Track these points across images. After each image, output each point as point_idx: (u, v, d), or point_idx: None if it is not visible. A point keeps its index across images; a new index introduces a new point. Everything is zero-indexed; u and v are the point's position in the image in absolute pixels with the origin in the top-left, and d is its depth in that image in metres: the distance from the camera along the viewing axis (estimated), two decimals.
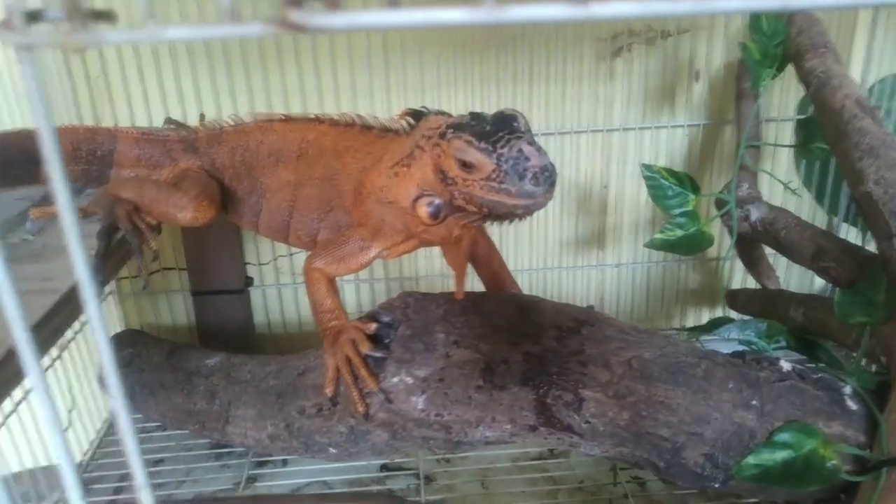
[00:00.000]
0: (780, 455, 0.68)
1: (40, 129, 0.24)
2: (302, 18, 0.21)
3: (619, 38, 1.14)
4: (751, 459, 0.68)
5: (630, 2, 0.21)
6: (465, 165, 0.59)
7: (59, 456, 0.28)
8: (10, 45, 0.22)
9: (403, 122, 0.69)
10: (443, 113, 0.65)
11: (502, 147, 0.57)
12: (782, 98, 1.19)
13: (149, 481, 0.33)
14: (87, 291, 0.26)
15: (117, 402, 0.29)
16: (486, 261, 0.78)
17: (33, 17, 0.22)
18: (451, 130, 0.60)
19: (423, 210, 0.63)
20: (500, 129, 0.58)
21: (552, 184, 0.58)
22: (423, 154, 0.62)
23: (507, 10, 0.21)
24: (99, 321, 0.27)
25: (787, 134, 1.19)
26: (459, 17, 0.21)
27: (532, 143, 0.58)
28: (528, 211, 0.60)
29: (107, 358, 0.27)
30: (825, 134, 0.93)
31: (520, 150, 0.57)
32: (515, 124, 0.59)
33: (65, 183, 0.24)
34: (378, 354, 0.73)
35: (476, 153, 0.58)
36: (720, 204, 1.06)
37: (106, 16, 0.23)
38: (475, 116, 0.60)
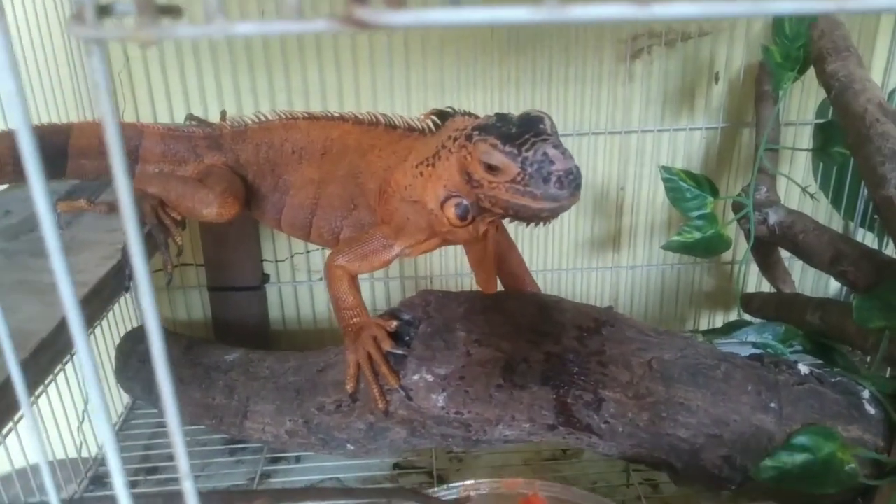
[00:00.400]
0: (799, 458, 0.68)
1: (105, 122, 0.24)
2: (368, 15, 0.21)
3: (638, 40, 1.14)
4: (769, 462, 0.68)
5: (691, 2, 0.21)
6: (491, 168, 0.59)
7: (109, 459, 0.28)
8: (81, 38, 0.22)
9: (429, 122, 0.70)
10: (469, 114, 0.65)
11: (527, 150, 0.58)
12: (802, 102, 1.19)
13: (190, 472, 0.33)
14: (143, 286, 0.27)
15: (167, 396, 0.30)
16: (506, 260, 0.79)
17: (104, 10, 0.23)
18: (477, 133, 0.60)
19: (452, 211, 0.64)
20: (525, 131, 0.59)
21: (577, 187, 0.58)
22: (449, 155, 0.63)
23: (569, 9, 0.21)
24: (153, 311, 0.27)
25: (806, 138, 1.18)
26: (522, 16, 0.21)
27: (558, 145, 0.58)
28: (553, 214, 0.60)
29: (158, 353, 0.28)
30: (847, 138, 0.93)
31: (545, 154, 0.57)
32: (542, 126, 0.59)
33: (126, 175, 0.25)
34: (399, 352, 0.73)
35: (501, 156, 0.58)
36: (737, 207, 1.06)
37: (173, 10, 0.23)
38: (501, 118, 0.61)
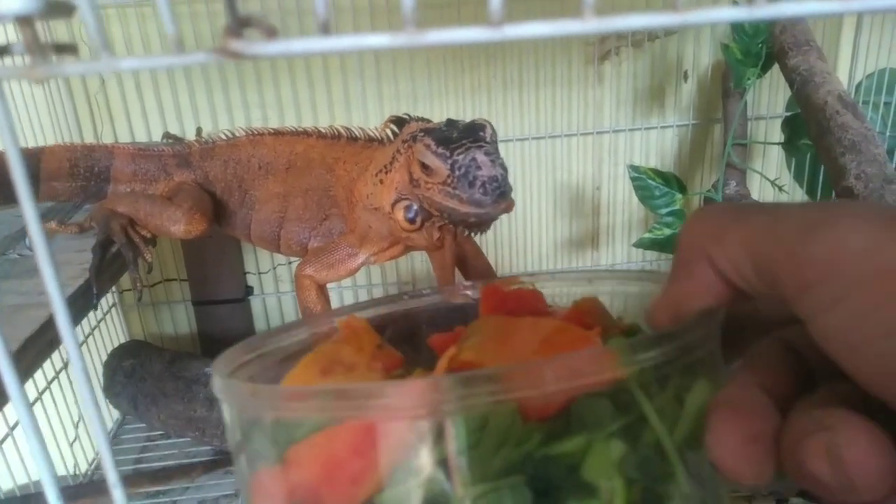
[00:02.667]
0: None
1: (10, 155, 0.26)
2: (241, 47, 0.23)
3: (606, 42, 1.16)
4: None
5: (543, 23, 0.23)
6: (426, 168, 0.61)
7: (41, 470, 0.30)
8: None
9: (387, 131, 0.71)
10: (423, 119, 0.67)
11: (458, 154, 0.59)
12: (771, 96, 1.20)
13: (119, 480, 0.34)
14: (61, 318, 0.28)
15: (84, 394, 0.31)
16: (472, 267, 0.80)
17: (2, 51, 0.24)
18: (422, 134, 0.61)
19: (401, 214, 0.65)
20: (465, 136, 0.60)
21: (501, 195, 0.58)
22: (400, 158, 0.64)
23: (426, 35, 0.23)
24: (75, 349, 0.29)
25: (777, 131, 1.20)
26: (383, 42, 0.23)
27: (490, 153, 0.59)
28: (479, 220, 0.61)
29: (74, 357, 0.29)
30: (809, 130, 0.95)
31: (473, 159, 0.58)
32: (481, 133, 0.61)
33: (33, 204, 0.26)
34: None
35: (433, 157, 0.59)
36: (709, 202, 1.07)
37: (68, 48, 0.25)
38: (449, 123, 0.62)
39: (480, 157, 0.58)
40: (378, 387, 0.28)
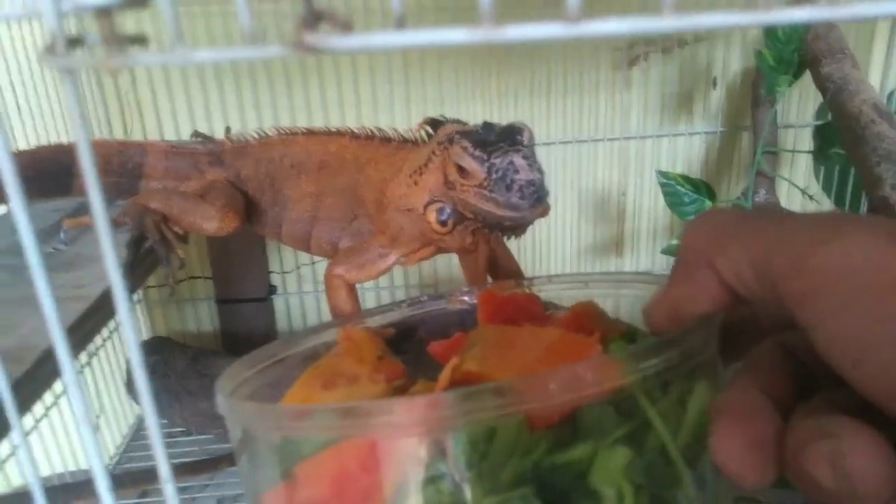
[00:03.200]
0: None
1: (79, 143, 0.26)
2: (317, 41, 0.23)
3: (635, 47, 1.15)
4: None
5: (618, 20, 0.22)
6: (462, 171, 0.60)
7: (90, 456, 0.30)
8: (54, 68, 0.24)
9: (421, 132, 0.71)
10: (459, 121, 0.67)
11: (496, 157, 0.58)
12: (801, 104, 1.19)
13: (172, 476, 0.34)
14: (120, 295, 0.29)
15: (145, 401, 0.31)
16: (505, 269, 0.80)
17: (74, 42, 0.25)
18: (458, 136, 0.61)
19: (433, 216, 0.65)
20: (502, 139, 0.60)
21: (538, 199, 0.58)
22: (435, 159, 0.64)
23: (504, 31, 0.22)
24: (131, 324, 0.29)
25: (806, 140, 1.18)
26: (461, 38, 0.23)
27: (528, 157, 0.59)
28: (515, 224, 0.60)
29: (136, 360, 0.29)
30: (842, 139, 0.94)
31: (511, 162, 0.58)
32: (519, 137, 0.60)
33: (100, 192, 0.26)
34: (398, 360, 0.74)
35: (470, 160, 0.59)
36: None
37: (139, 40, 0.25)
38: (486, 126, 0.62)
39: (518, 160, 0.58)
40: (382, 404, 0.28)
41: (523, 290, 0.49)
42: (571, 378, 0.26)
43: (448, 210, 0.64)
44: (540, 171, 0.58)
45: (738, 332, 0.31)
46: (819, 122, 1.12)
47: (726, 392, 0.27)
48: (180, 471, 0.85)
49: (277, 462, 0.30)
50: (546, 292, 0.49)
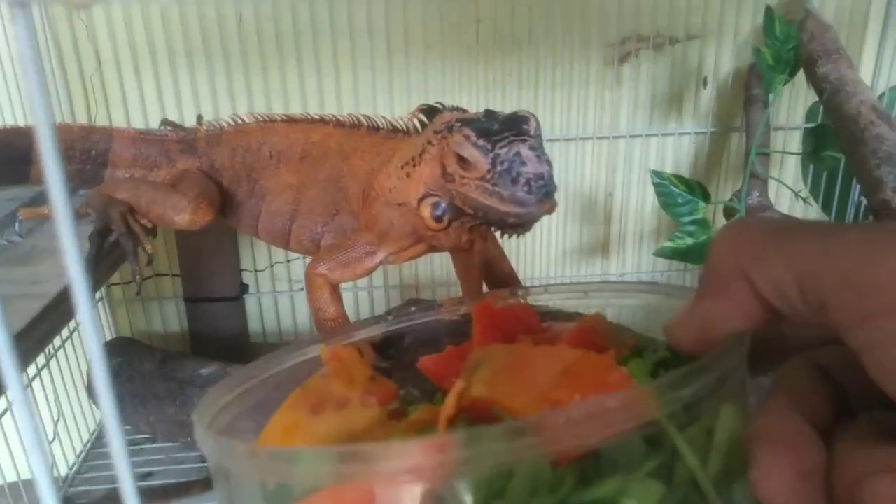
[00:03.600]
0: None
1: (34, 100, 0.21)
2: None
3: (626, 44, 1.12)
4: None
5: None
6: (463, 162, 0.55)
7: (38, 476, 0.24)
8: (4, 2, 0.19)
9: (415, 121, 0.66)
10: (459, 109, 0.62)
11: (501, 147, 0.54)
12: (790, 106, 1.17)
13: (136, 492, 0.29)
14: (81, 294, 0.23)
15: (108, 410, 0.26)
16: (496, 270, 0.75)
17: None
18: (459, 124, 0.57)
19: (427, 211, 0.60)
20: (507, 128, 0.55)
21: (546, 194, 0.53)
22: (432, 149, 0.59)
23: None
24: (93, 326, 0.23)
25: (795, 142, 1.17)
26: None
27: (535, 147, 0.54)
28: (520, 220, 0.56)
29: (98, 365, 0.24)
30: (840, 141, 0.92)
31: (517, 153, 0.53)
32: (525, 126, 0.56)
33: (60, 175, 0.21)
34: (384, 365, 0.69)
35: (473, 150, 0.54)
36: (729, 213, 1.04)
37: None
38: (489, 114, 0.57)
39: (525, 151, 0.53)
40: (383, 449, 0.24)
41: (519, 301, 0.46)
42: (601, 414, 0.24)
43: (444, 205, 0.59)
44: (548, 163, 0.53)
45: (762, 348, 0.29)
46: (808, 125, 1.11)
47: (763, 417, 0.26)
48: (147, 497, 0.78)
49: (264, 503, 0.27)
50: (543, 302, 0.45)
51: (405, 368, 0.70)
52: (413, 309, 0.49)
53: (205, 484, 0.78)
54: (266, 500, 0.27)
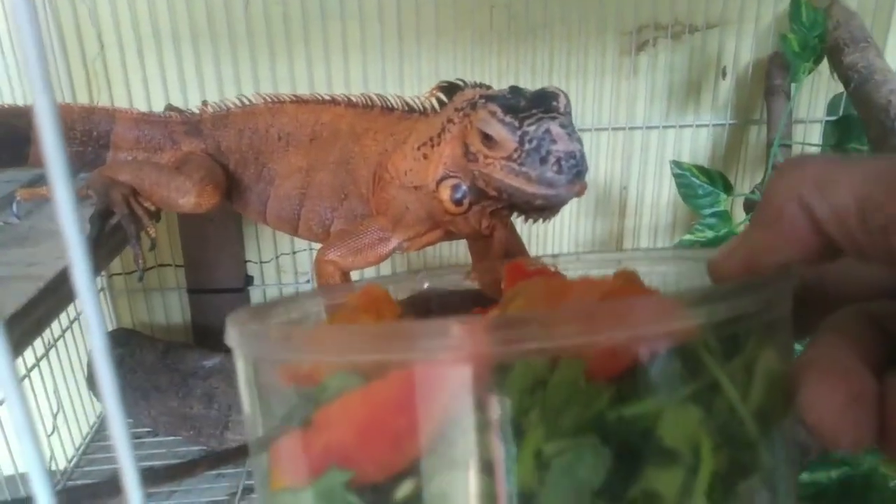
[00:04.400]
0: (836, 472, 0.62)
1: (32, 73, 0.17)
2: None
3: (643, 32, 1.09)
4: (805, 476, 0.62)
5: None
6: (488, 140, 0.52)
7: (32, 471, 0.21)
8: None
9: (432, 100, 0.63)
10: (482, 85, 0.59)
11: (529, 124, 0.51)
12: (812, 99, 1.14)
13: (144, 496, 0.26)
14: (81, 275, 0.20)
15: (111, 405, 0.23)
16: (514, 257, 0.72)
17: None
18: (483, 101, 0.53)
19: (447, 193, 0.57)
20: (535, 105, 0.52)
21: (578, 174, 0.50)
22: (453, 128, 0.56)
23: None
24: (94, 308, 0.20)
25: (815, 136, 1.14)
26: None
27: (566, 125, 0.51)
28: (548, 203, 0.53)
29: (100, 351, 0.21)
30: (868, 132, 0.88)
31: (547, 131, 0.50)
32: (554, 103, 0.53)
33: (61, 151, 0.18)
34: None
35: (499, 127, 0.51)
36: (749, 206, 1.01)
37: None
38: (514, 90, 0.54)
39: (555, 129, 0.50)
40: (431, 325, 0.23)
41: (550, 268, 0.44)
42: (636, 312, 0.23)
43: (464, 187, 0.56)
44: (580, 141, 0.50)
45: (802, 301, 0.27)
46: (830, 118, 1.07)
47: (811, 348, 0.25)
48: (149, 477, 0.75)
49: (296, 406, 0.26)
50: (573, 272, 0.44)
51: None
52: (441, 269, 0.48)
53: (209, 462, 0.74)
54: (300, 402, 0.26)
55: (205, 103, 0.98)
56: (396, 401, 0.24)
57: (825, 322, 0.27)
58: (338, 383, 0.25)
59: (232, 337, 0.27)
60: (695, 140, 1.15)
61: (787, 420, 0.24)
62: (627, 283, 0.34)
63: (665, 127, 1.13)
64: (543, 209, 0.53)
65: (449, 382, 0.23)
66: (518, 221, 0.64)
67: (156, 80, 1.04)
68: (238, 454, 0.76)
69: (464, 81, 0.59)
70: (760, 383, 0.25)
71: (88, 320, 0.22)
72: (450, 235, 0.65)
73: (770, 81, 1.06)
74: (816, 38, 0.92)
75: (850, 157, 0.25)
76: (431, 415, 0.23)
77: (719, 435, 0.24)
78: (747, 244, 0.26)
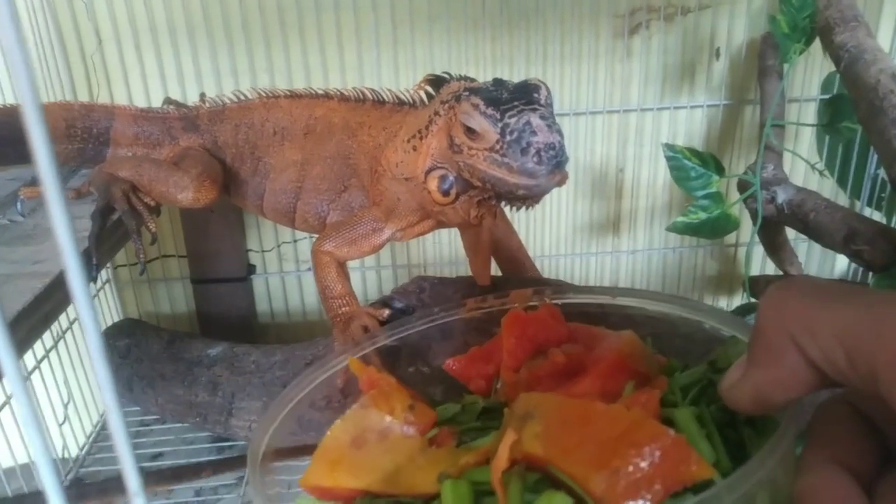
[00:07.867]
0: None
1: (11, 57, 0.19)
2: None
3: (636, 15, 1.10)
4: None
5: None
6: (470, 132, 0.54)
7: (39, 460, 0.23)
8: None
9: (420, 93, 0.64)
10: (467, 78, 0.60)
11: (510, 116, 0.52)
12: (806, 78, 1.15)
13: (142, 488, 0.28)
14: (74, 271, 0.22)
15: (111, 403, 0.25)
16: (505, 244, 0.74)
17: None
18: (467, 93, 0.55)
19: (434, 184, 0.58)
20: (517, 97, 0.53)
21: (557, 165, 0.52)
22: (439, 121, 0.58)
23: None
24: (87, 304, 0.22)
25: (810, 115, 1.14)
26: None
27: (546, 117, 0.52)
28: (529, 192, 0.54)
29: (96, 352, 0.23)
30: (858, 111, 0.89)
31: (527, 122, 0.51)
32: (535, 95, 0.54)
33: (48, 144, 0.20)
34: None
35: (481, 119, 0.53)
36: (743, 186, 1.02)
37: None
38: (497, 83, 0.56)
39: (535, 120, 0.51)
40: None
41: (543, 302, 0.48)
42: None
43: (451, 178, 0.57)
44: (559, 132, 0.52)
45: None
46: (826, 96, 1.08)
47: (807, 476, 0.27)
48: (153, 478, 0.77)
49: None
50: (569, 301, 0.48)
51: (421, 350, 0.69)
52: (436, 310, 0.51)
53: (215, 466, 0.77)
54: None
55: (203, 95, 1.00)
56: None
57: (816, 417, 0.30)
58: None
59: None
60: (690, 121, 1.16)
61: None
62: (620, 364, 0.38)
63: (660, 109, 1.14)
64: (525, 198, 0.55)
65: None
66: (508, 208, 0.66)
67: (154, 74, 1.05)
68: (240, 463, 0.79)
69: (449, 74, 0.61)
70: None
71: (84, 326, 0.24)
72: (441, 225, 0.67)
73: (763, 62, 1.06)
74: (806, 18, 0.93)
75: (828, 290, 0.27)
76: None
77: None
78: (752, 382, 0.29)
